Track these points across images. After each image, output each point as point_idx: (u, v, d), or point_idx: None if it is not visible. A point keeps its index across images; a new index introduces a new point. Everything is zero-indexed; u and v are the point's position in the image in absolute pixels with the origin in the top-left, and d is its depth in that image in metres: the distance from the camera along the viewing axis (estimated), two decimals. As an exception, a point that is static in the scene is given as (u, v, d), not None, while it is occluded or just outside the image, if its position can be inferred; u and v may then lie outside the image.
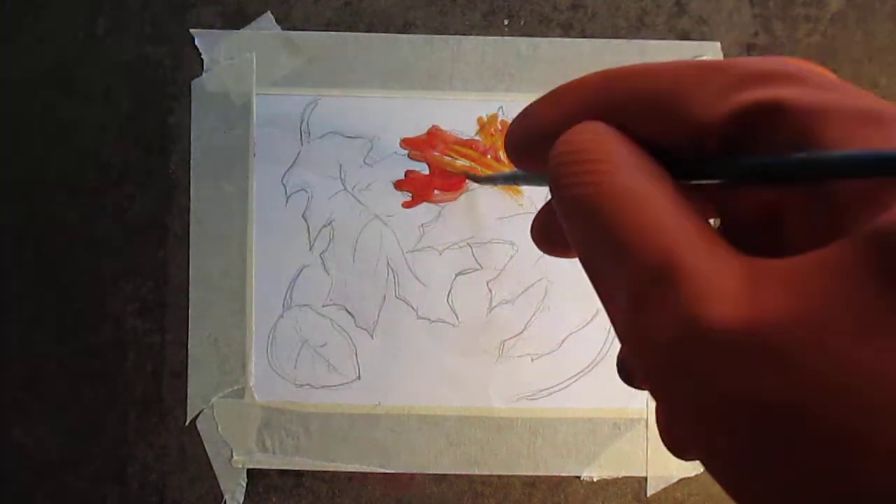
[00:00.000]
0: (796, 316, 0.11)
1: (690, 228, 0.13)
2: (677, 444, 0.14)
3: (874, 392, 0.10)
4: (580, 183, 0.14)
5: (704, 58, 0.43)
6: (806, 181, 0.12)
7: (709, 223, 0.13)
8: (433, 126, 0.43)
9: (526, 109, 0.17)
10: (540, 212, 0.19)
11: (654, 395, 0.13)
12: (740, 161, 0.13)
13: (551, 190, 0.15)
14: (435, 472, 0.42)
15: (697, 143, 0.14)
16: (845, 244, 0.11)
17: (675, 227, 0.13)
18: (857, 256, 0.11)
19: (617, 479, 0.42)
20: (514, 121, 0.17)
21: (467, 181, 0.43)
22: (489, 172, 0.43)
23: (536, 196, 0.43)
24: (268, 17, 0.43)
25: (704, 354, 0.11)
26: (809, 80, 0.13)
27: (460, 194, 0.43)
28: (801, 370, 0.11)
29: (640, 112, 0.14)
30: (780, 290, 0.11)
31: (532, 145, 0.16)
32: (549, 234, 0.18)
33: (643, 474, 0.42)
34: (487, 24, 0.43)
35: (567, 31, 0.43)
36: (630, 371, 0.17)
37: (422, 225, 0.43)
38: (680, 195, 0.13)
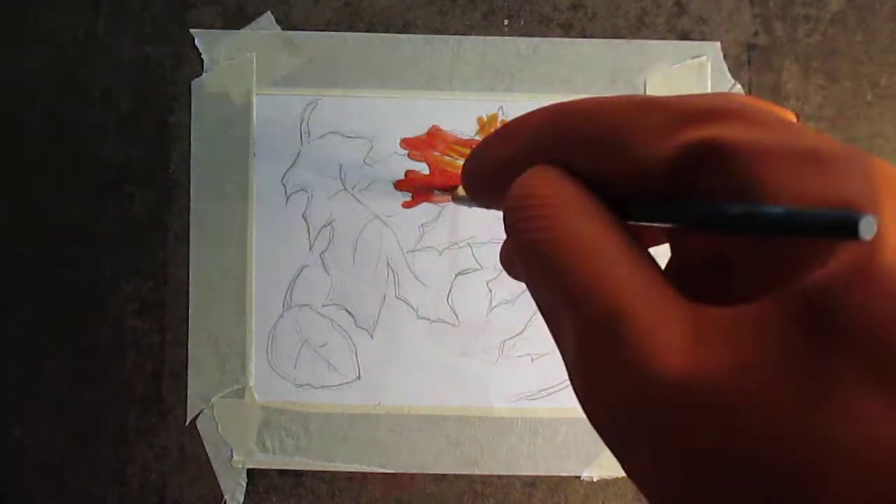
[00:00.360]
0: (734, 371, 0.11)
1: (638, 277, 0.13)
2: (644, 490, 0.15)
3: (804, 450, 0.10)
4: (532, 229, 0.14)
5: (703, 57, 0.43)
6: (743, 233, 0.12)
7: (658, 269, 0.13)
8: (433, 126, 0.43)
9: (478, 147, 0.17)
10: (505, 242, 0.19)
11: (609, 447, 0.13)
12: (681, 208, 0.13)
13: (507, 233, 0.15)
14: (435, 472, 0.42)
15: (644, 182, 0.14)
16: (779, 300, 0.11)
17: (623, 276, 0.13)
18: (787, 314, 0.11)
19: (617, 479, 0.42)
20: (468, 159, 0.17)
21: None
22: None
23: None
24: (268, 17, 0.43)
25: (653, 407, 0.12)
26: (751, 118, 0.13)
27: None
28: (739, 426, 0.11)
29: (588, 150, 0.14)
30: (722, 343, 0.11)
31: (487, 182, 0.17)
32: (515, 265, 0.18)
33: (643, 474, 0.42)
34: (487, 24, 0.43)
35: (567, 31, 0.43)
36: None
37: (422, 225, 0.43)
38: (629, 240, 0.13)
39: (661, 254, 0.15)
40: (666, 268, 0.15)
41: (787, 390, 0.10)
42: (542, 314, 0.14)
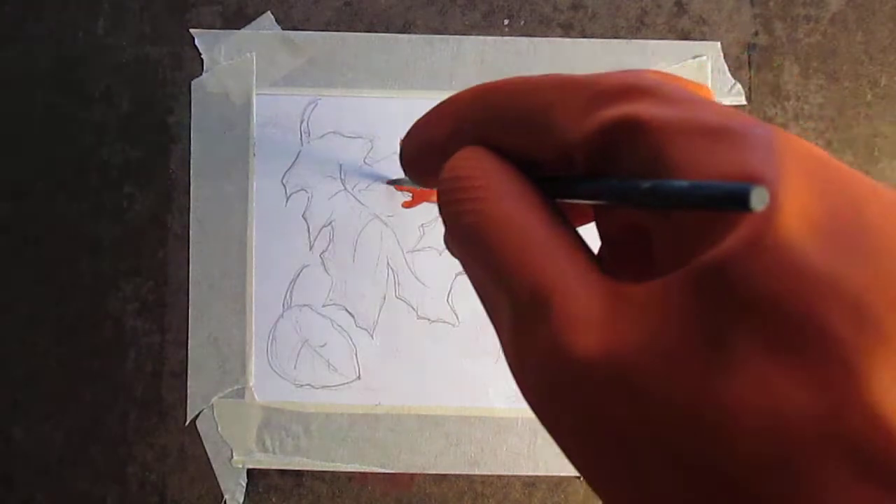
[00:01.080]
0: (643, 346, 0.11)
1: (562, 257, 0.13)
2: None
3: (705, 417, 0.11)
4: (461, 212, 0.14)
5: (704, 57, 0.43)
6: (653, 208, 0.13)
7: (584, 248, 0.14)
8: (433, 126, 0.43)
9: (412, 127, 0.17)
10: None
11: (539, 419, 0.13)
12: (597, 184, 0.13)
13: (440, 214, 0.15)
14: (435, 472, 0.42)
15: (568, 161, 0.14)
16: (681, 275, 0.11)
17: (548, 254, 0.13)
18: (688, 288, 0.11)
19: (617, 479, 0.42)
20: (404, 139, 0.17)
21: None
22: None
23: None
24: (268, 17, 0.43)
25: (570, 382, 0.12)
26: (662, 95, 0.13)
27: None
28: (649, 398, 0.11)
29: (513, 128, 0.15)
30: (636, 319, 0.12)
31: (421, 161, 0.17)
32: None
33: (643, 474, 0.42)
34: (487, 24, 0.43)
35: (567, 31, 0.43)
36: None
37: (422, 225, 0.43)
38: (555, 220, 0.14)
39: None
40: (599, 249, 0.16)
41: (686, 362, 0.11)
42: (477, 293, 0.15)
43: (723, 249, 0.11)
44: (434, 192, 0.45)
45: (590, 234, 0.15)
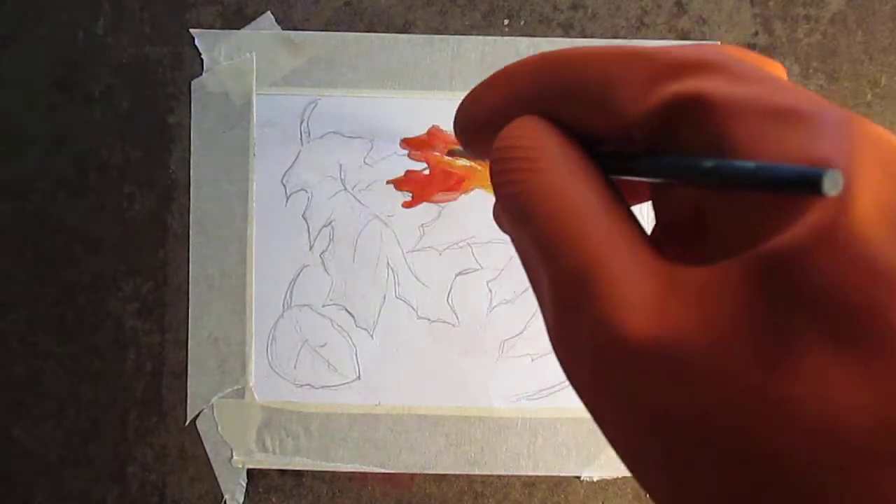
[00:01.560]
0: (698, 331, 0.11)
1: (614, 233, 0.12)
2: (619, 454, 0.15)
3: (755, 410, 0.10)
4: (513, 181, 0.14)
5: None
6: (715, 188, 0.12)
7: (637, 224, 0.13)
8: (433, 126, 0.43)
9: (467, 96, 0.17)
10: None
11: (582, 399, 0.13)
12: (656, 161, 0.13)
13: (492, 183, 0.15)
14: (435, 472, 0.42)
15: (626, 135, 0.14)
16: (743, 261, 0.11)
17: (599, 231, 0.12)
18: (749, 276, 0.11)
19: (617, 479, 0.42)
20: (459, 106, 0.17)
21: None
22: (481, 168, 0.43)
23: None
24: (268, 17, 0.43)
25: (617, 363, 0.12)
26: (735, 72, 0.12)
27: (460, 194, 0.43)
28: (701, 384, 0.11)
29: (572, 102, 0.14)
30: (690, 303, 0.11)
31: (476, 130, 0.16)
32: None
33: (643, 474, 0.42)
34: (487, 24, 0.43)
35: (567, 31, 0.43)
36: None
37: (422, 225, 0.43)
38: (609, 195, 0.13)
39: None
40: (653, 229, 0.15)
41: (744, 350, 0.10)
42: (523, 265, 0.15)
43: (789, 238, 0.10)
44: (434, 192, 0.45)
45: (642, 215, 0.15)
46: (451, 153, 0.42)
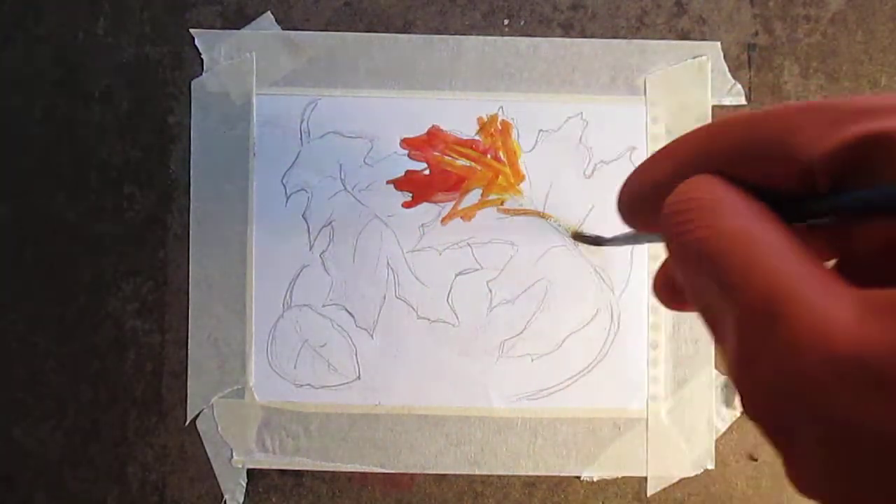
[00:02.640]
0: None
1: (799, 265, 0.13)
2: (805, 485, 0.14)
3: None
4: (692, 229, 0.14)
5: (704, 57, 0.43)
6: None
7: (821, 262, 0.13)
8: (433, 126, 0.43)
9: (634, 171, 0.17)
10: (660, 269, 0.19)
11: (771, 440, 0.13)
12: (842, 196, 0.13)
13: (665, 240, 0.15)
14: (435, 472, 0.42)
15: (808, 183, 0.14)
16: None
17: (783, 263, 0.13)
18: None
19: (617, 479, 0.42)
20: (627, 180, 0.18)
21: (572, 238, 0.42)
22: (481, 168, 0.43)
23: (537, 196, 0.43)
24: (268, 17, 0.43)
25: (814, 385, 0.11)
26: None
27: (460, 194, 0.43)
28: None
29: (747, 158, 0.15)
30: (891, 320, 0.11)
31: (644, 201, 0.17)
32: (670, 289, 0.19)
33: (643, 474, 0.42)
34: (487, 24, 0.43)
35: (567, 31, 0.43)
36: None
37: (422, 225, 0.43)
38: (790, 236, 0.14)
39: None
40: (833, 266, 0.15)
41: None
42: (702, 317, 0.15)
43: None
44: (434, 192, 0.45)
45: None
46: (575, 237, 0.41)
